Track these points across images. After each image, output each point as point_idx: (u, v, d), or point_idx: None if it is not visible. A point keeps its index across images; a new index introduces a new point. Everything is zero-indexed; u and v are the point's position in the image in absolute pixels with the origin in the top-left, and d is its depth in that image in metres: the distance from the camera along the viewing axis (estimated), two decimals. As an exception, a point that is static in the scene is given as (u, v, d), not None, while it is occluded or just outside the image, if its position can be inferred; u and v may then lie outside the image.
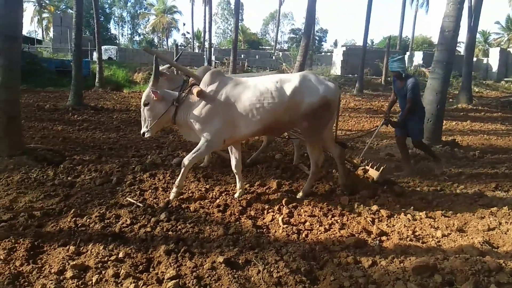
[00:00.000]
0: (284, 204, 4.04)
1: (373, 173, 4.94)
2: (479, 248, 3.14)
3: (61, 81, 17.56)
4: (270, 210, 3.95)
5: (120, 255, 2.93)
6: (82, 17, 12.48)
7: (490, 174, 5.86)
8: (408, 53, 32.63)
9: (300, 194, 4.32)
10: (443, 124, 8.32)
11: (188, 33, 53.89)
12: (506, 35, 46.17)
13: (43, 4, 49.58)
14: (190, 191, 4.37)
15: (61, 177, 4.72)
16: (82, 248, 3.06)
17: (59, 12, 43.15)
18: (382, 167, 4.89)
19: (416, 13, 41.76)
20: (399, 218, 3.86)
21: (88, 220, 3.51)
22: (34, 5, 49.38)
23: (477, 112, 14.79)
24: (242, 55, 31.63)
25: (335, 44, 61.16)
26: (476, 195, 4.69)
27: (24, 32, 30.80)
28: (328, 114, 4.14)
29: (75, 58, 12.10)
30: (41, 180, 4.58)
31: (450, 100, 16.87)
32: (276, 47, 45.92)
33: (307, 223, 3.67)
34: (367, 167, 5.10)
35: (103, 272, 2.72)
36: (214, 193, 4.33)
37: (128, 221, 3.49)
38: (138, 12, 63.56)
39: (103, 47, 23.43)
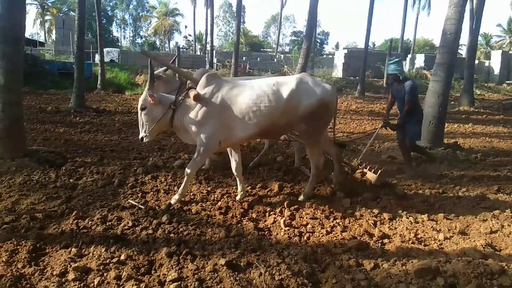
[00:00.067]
0: (285, 207, 4.04)
1: (371, 176, 4.90)
2: (482, 251, 3.14)
3: (63, 83, 17.61)
4: (271, 213, 3.95)
5: (122, 257, 2.93)
6: (84, 19, 12.53)
7: (492, 177, 5.84)
8: (409, 55, 32.63)
9: (301, 197, 4.31)
10: (445, 126, 8.30)
11: (190, 35, 54.00)
12: (508, 37, 46.10)
13: (45, 7, 49.84)
14: (191, 194, 4.38)
15: (63, 179, 4.73)
16: (84, 250, 3.07)
17: (61, 14, 43.32)
18: (380, 170, 4.87)
19: (418, 15, 41.91)
20: (401, 220, 3.86)
21: (90, 222, 3.51)
22: (36, 8, 49.66)
23: (479, 114, 14.76)
24: (244, 58, 31.66)
25: (337, 46, 61.18)
26: (478, 198, 4.67)
27: (27, 34, 30.89)
28: (326, 116, 4.14)
29: (77, 61, 12.14)
30: (43, 182, 4.60)
31: (452, 102, 16.84)
32: (278, 50, 45.92)
33: (309, 226, 3.67)
34: (365, 170, 5.06)
35: (105, 274, 2.72)
36: (215, 196, 4.34)
37: (130, 223, 3.49)
38: (140, 14, 63.81)
39: (105, 50, 23.53)
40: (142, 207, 3.90)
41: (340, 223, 3.77)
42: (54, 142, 6.95)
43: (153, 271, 2.83)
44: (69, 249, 3.05)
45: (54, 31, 35.28)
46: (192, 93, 3.89)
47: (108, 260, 2.89)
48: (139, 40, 65.71)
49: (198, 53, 44.46)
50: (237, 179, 4.32)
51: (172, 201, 4.03)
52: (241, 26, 37.52)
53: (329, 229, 3.61)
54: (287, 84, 3.95)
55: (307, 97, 3.90)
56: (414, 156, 6.45)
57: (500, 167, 6.45)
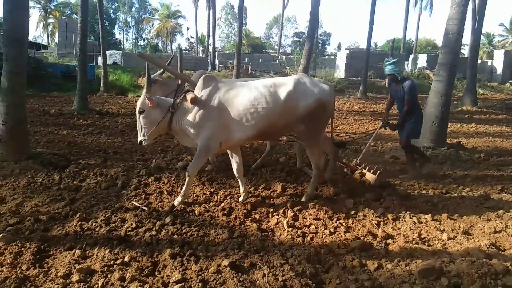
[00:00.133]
0: (289, 207, 4.03)
1: (370, 177, 4.88)
2: (486, 250, 3.13)
3: (66, 86, 17.69)
4: (275, 214, 3.95)
5: (126, 258, 2.94)
6: (87, 22, 12.59)
7: (496, 177, 5.83)
8: (412, 55, 32.61)
9: (304, 198, 4.31)
10: (448, 126, 8.28)
11: (192, 37, 54.16)
12: (510, 37, 46.04)
13: (48, 10, 50.09)
14: (195, 195, 4.39)
15: (66, 181, 4.75)
16: (88, 252, 3.08)
17: (64, 17, 43.59)
18: (379, 171, 4.86)
19: (420, 15, 41.80)
20: (404, 221, 3.85)
21: (93, 224, 3.52)
22: (39, 11, 49.95)
23: (482, 114, 14.72)
24: (246, 59, 31.69)
25: (339, 47, 61.32)
26: (482, 198, 4.66)
27: (30, 37, 31.04)
28: (324, 116, 4.13)
29: (80, 63, 12.21)
30: (47, 184, 4.62)
31: (455, 102, 16.80)
32: (280, 51, 45.98)
33: (312, 226, 3.67)
34: (364, 171, 5.03)
35: (109, 275, 2.73)
36: (218, 197, 4.34)
37: (134, 225, 3.50)
38: (142, 17, 64.06)
39: (108, 52, 23.63)
40: (146, 208, 3.91)
41: (344, 223, 3.77)
42: (58, 145, 6.98)
43: (156, 273, 2.83)
44: (73, 251, 3.06)
45: (57, 34, 35.49)
46: (189, 96, 3.87)
47: (112, 262, 2.90)
48: (141, 43, 66.04)
49: (200, 54, 44.59)
50: (239, 180, 4.32)
51: (175, 203, 4.03)
52: (243, 28, 37.53)
53: (332, 229, 3.61)
54: (285, 85, 3.93)
55: (305, 98, 3.89)
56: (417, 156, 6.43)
57: (504, 167, 6.43)
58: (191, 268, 2.82)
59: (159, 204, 4.11)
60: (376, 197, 4.42)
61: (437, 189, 5.11)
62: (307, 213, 3.95)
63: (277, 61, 32.48)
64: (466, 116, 14.06)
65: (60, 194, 4.33)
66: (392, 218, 3.88)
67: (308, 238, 3.44)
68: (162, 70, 5.37)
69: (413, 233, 3.56)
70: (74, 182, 4.74)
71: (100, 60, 20.79)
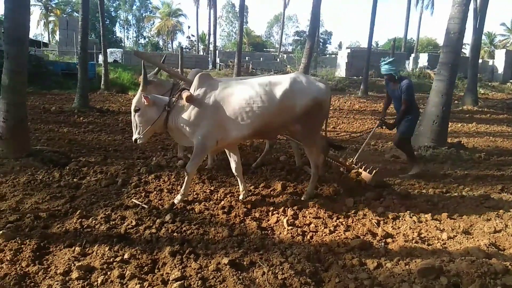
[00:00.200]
0: (288, 206, 4.03)
1: (366, 176, 4.87)
2: (485, 250, 3.12)
3: (67, 83, 17.66)
4: (274, 212, 3.95)
5: (126, 256, 2.94)
6: (88, 20, 12.57)
7: (496, 176, 5.82)
8: (413, 55, 32.56)
9: (304, 196, 4.31)
10: (449, 126, 8.28)
11: (193, 36, 54.18)
12: (512, 36, 45.93)
13: (49, 8, 50.09)
14: (195, 193, 4.39)
15: (67, 179, 4.75)
16: (87, 249, 3.08)
17: (65, 15, 43.58)
18: (374, 170, 4.84)
19: (421, 15, 41.73)
20: (404, 220, 3.85)
21: (93, 221, 3.52)
22: (40, 9, 49.96)
23: (482, 114, 14.70)
24: (247, 58, 31.68)
25: (340, 46, 61.17)
26: (482, 197, 4.65)
27: (31, 35, 31.07)
28: (320, 115, 4.12)
29: (81, 61, 12.20)
30: (47, 182, 4.62)
31: (456, 101, 16.79)
32: (281, 50, 45.98)
33: (312, 225, 3.67)
34: (360, 170, 5.01)
35: (108, 273, 2.73)
36: (218, 195, 4.34)
37: (133, 223, 3.50)
38: (143, 15, 64.04)
39: (108, 50, 23.58)
40: (146, 206, 3.91)
41: (343, 222, 3.77)
42: (58, 142, 6.98)
43: (156, 270, 2.84)
44: (73, 248, 3.07)
45: (57, 32, 35.46)
46: (185, 94, 3.86)
47: (111, 259, 2.90)
48: (142, 41, 66.04)
49: (201, 53, 44.59)
50: (238, 179, 4.31)
51: (175, 201, 4.03)
52: (244, 26, 37.53)
53: (332, 228, 3.61)
54: (281, 84, 3.91)
55: (301, 97, 3.88)
56: (418, 155, 6.43)
57: (504, 167, 6.42)
58: (190, 266, 2.82)
59: (159, 202, 4.11)
60: (376, 196, 4.42)
61: (437, 188, 5.11)
62: (307, 212, 3.95)
63: (278, 60, 32.48)
64: (467, 115, 14.05)
65: (60, 192, 4.33)
66: (392, 217, 3.88)
67: (308, 237, 3.44)
68: (156, 69, 5.36)
69: (413, 232, 3.56)
70: (74, 180, 4.74)
71: (100, 58, 20.78)
